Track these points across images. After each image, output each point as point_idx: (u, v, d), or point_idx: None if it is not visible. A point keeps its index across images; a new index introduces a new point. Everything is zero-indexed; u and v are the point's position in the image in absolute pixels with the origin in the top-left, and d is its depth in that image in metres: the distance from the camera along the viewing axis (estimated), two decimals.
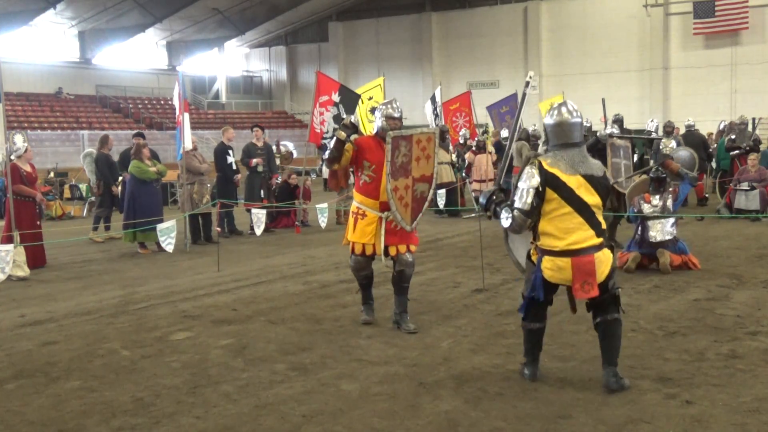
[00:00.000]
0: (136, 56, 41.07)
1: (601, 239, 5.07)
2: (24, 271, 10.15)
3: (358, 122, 7.51)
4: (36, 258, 10.83)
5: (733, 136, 16.93)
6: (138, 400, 5.27)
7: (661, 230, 9.64)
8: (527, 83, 5.63)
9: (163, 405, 5.15)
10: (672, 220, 9.74)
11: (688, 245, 11.45)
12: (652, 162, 16.15)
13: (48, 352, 6.54)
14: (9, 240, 10.36)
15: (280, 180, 16.19)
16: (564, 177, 5.00)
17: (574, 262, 5.00)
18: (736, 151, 16.48)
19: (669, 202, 9.82)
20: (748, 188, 14.34)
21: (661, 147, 16.24)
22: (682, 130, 17.76)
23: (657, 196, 9.81)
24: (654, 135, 17.86)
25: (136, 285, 9.57)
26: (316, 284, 9.27)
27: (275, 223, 15.12)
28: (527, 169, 5.07)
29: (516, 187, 5.18)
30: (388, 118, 7.03)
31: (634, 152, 16.81)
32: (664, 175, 10.06)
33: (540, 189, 5.00)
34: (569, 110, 5.16)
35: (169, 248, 11.22)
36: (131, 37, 38.72)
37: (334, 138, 7.00)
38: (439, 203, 16.30)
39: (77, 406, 5.17)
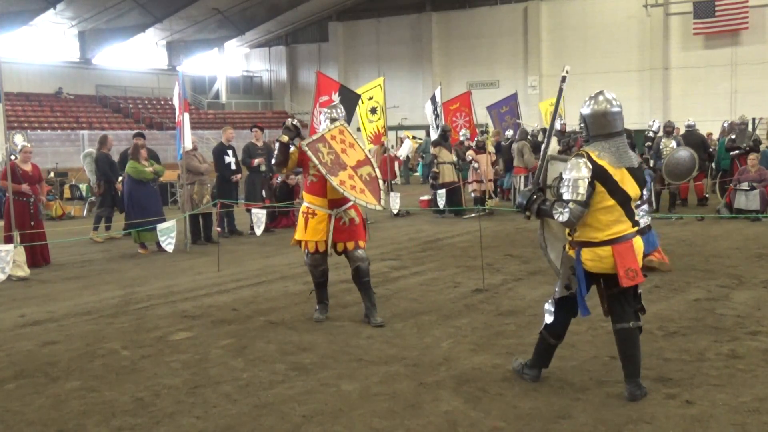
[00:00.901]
0: (136, 56, 41.07)
1: (636, 228, 5.11)
2: (24, 271, 10.15)
3: (298, 125, 7.75)
4: (33, 257, 10.82)
5: (733, 136, 16.93)
6: (138, 400, 5.27)
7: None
8: (564, 78, 5.55)
9: (163, 405, 5.15)
10: (645, 206, 9.60)
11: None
12: (652, 162, 16.18)
13: (48, 352, 6.54)
14: (9, 240, 10.36)
15: (280, 180, 16.19)
16: (611, 170, 4.96)
17: (615, 250, 4.97)
18: (736, 151, 16.48)
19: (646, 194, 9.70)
20: (748, 188, 14.34)
21: (661, 147, 16.26)
22: (682, 131, 17.76)
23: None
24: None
25: (136, 285, 9.57)
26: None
27: (275, 223, 15.12)
28: (574, 160, 5.00)
29: (560, 179, 5.13)
30: (333, 121, 7.47)
31: (633, 151, 16.80)
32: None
33: (590, 180, 4.92)
34: (607, 99, 5.10)
35: (169, 248, 11.22)
36: (131, 37, 38.72)
37: (278, 143, 7.32)
38: (439, 203, 16.31)
39: (77, 406, 5.17)
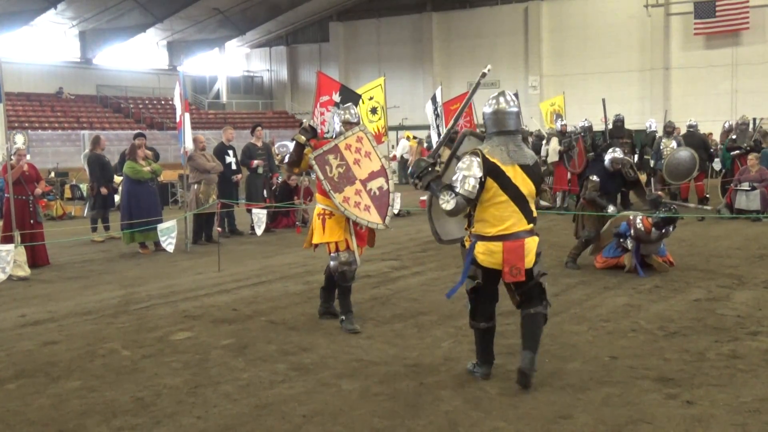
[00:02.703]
0: (137, 56, 41.07)
1: (531, 225, 5.26)
2: (24, 271, 10.15)
3: (317, 126, 7.57)
4: (33, 257, 10.82)
5: (733, 136, 16.92)
6: (138, 400, 5.27)
7: (646, 246, 9.48)
8: (483, 74, 5.72)
9: (164, 405, 5.15)
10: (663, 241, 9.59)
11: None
12: (652, 162, 16.18)
13: (48, 352, 6.54)
14: (8, 240, 10.36)
15: (280, 180, 16.19)
16: (503, 167, 5.16)
17: (505, 246, 5.14)
18: (737, 151, 16.48)
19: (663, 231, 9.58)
20: (748, 188, 14.34)
21: (661, 147, 16.27)
22: (683, 131, 17.75)
23: (655, 230, 9.25)
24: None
25: (136, 285, 9.57)
26: (316, 284, 9.24)
27: (275, 223, 15.12)
28: (468, 158, 5.17)
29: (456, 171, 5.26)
30: (346, 123, 7.15)
31: (634, 151, 16.82)
32: (662, 200, 9.83)
33: (482, 179, 5.11)
34: (507, 100, 5.37)
35: (170, 248, 11.22)
36: (132, 37, 38.72)
37: (294, 142, 7.08)
38: None
39: (78, 406, 5.17)
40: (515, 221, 5.18)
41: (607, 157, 10.03)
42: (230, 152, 14.09)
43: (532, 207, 5.30)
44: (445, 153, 17.14)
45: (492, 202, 5.18)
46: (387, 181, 7.05)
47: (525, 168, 5.22)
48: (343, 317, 7.09)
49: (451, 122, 6.25)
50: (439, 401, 5.09)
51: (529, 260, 5.23)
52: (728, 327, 6.80)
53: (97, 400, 5.29)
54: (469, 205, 5.21)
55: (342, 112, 7.27)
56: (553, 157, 17.16)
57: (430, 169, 5.40)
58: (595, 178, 10.00)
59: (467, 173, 5.12)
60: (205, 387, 5.49)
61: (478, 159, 5.14)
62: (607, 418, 4.71)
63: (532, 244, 5.25)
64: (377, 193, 6.95)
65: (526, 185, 5.21)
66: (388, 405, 5.05)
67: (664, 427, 4.58)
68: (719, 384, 5.29)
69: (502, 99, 5.38)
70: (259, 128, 14.74)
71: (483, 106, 5.46)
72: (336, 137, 7.13)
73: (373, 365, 5.91)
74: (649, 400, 5.00)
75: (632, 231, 9.33)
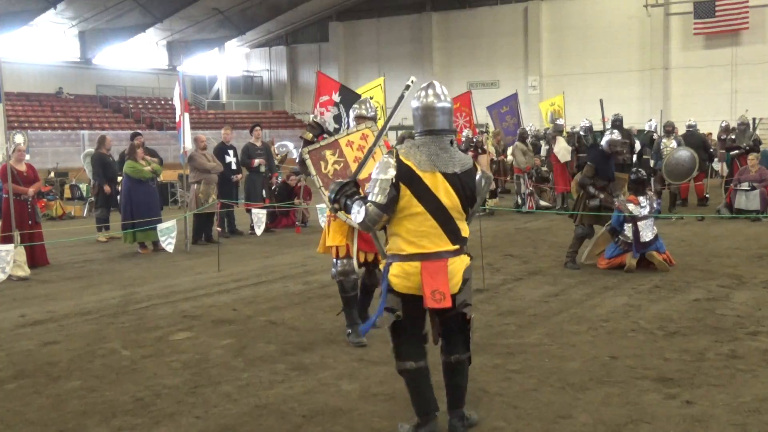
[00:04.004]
0: (137, 56, 41.09)
1: (457, 246, 4.37)
2: (24, 271, 10.15)
3: (323, 122, 7.42)
4: (33, 258, 10.82)
5: (733, 136, 16.93)
6: (138, 400, 5.26)
7: (645, 230, 9.56)
8: (407, 86, 4.96)
9: (164, 405, 5.15)
10: (653, 219, 9.65)
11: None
12: (652, 161, 16.18)
13: (48, 352, 6.54)
14: (8, 240, 10.36)
15: (280, 179, 16.19)
16: (418, 171, 4.30)
17: (423, 267, 4.29)
18: (736, 151, 16.48)
19: (654, 203, 9.77)
20: (748, 188, 14.34)
21: (661, 147, 16.27)
22: (682, 130, 17.76)
23: (643, 198, 9.65)
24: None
25: (136, 285, 9.57)
26: (316, 284, 9.26)
27: (275, 223, 15.12)
28: (383, 159, 4.39)
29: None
30: (359, 118, 6.73)
31: (632, 150, 16.80)
32: (645, 177, 10.01)
33: (395, 182, 4.29)
34: (436, 93, 4.43)
35: (169, 248, 11.22)
36: (131, 37, 38.75)
37: (301, 139, 6.93)
38: None
39: (77, 406, 5.17)
40: (435, 239, 4.31)
41: (605, 139, 10.10)
42: (230, 152, 14.09)
43: (460, 224, 4.40)
44: None
45: (406, 214, 4.32)
46: None
47: (449, 177, 4.33)
48: (349, 330, 6.60)
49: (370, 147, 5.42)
50: (439, 401, 5.07)
51: (455, 284, 4.35)
52: (728, 327, 6.80)
53: (96, 400, 5.29)
54: (385, 214, 4.32)
55: (357, 106, 6.82)
56: (566, 157, 17.02)
57: (346, 188, 4.58)
58: (590, 164, 10.04)
59: (379, 176, 4.33)
60: (204, 387, 5.49)
61: (392, 160, 4.33)
62: (606, 418, 4.71)
63: (458, 265, 4.37)
64: None
65: (448, 197, 4.32)
66: (387, 405, 5.05)
67: (663, 427, 4.58)
68: (719, 384, 5.29)
69: (430, 92, 4.42)
70: (258, 128, 14.74)
71: (412, 100, 4.54)
72: (336, 133, 6.86)
73: (373, 365, 5.91)
74: (649, 400, 5.00)
75: (624, 213, 9.51)
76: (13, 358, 6.37)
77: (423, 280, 4.26)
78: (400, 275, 4.35)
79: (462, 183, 4.36)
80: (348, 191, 4.56)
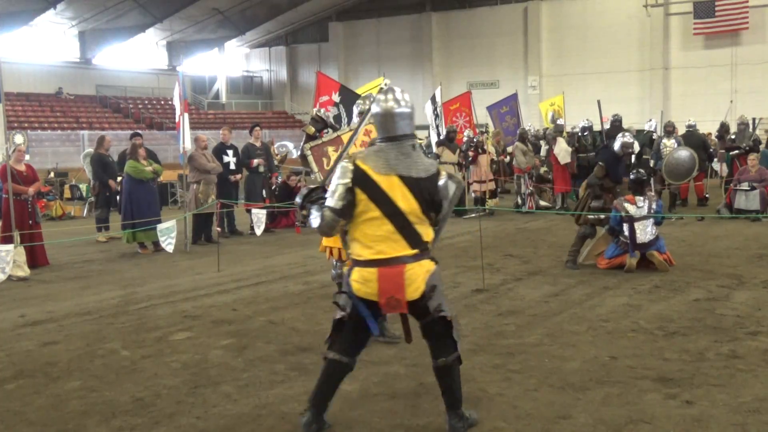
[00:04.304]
0: (137, 56, 41.09)
1: (416, 251, 4.30)
2: (24, 271, 10.15)
3: (327, 116, 7.33)
4: (33, 258, 10.82)
5: (732, 136, 16.93)
6: (138, 400, 5.26)
7: (643, 231, 9.56)
8: (380, 89, 4.71)
9: (163, 405, 5.15)
10: (652, 220, 9.65)
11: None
12: (651, 161, 16.18)
13: (48, 352, 6.53)
14: (8, 240, 10.36)
15: (280, 179, 16.20)
16: (374, 175, 4.26)
17: (380, 273, 4.26)
18: (735, 151, 16.47)
19: (654, 204, 9.75)
20: (748, 188, 14.34)
21: (661, 147, 16.27)
22: (682, 130, 17.76)
23: (641, 198, 9.67)
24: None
25: (136, 285, 9.57)
26: (316, 284, 9.26)
27: (275, 223, 15.13)
28: (342, 163, 4.34)
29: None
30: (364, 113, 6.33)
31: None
32: (644, 177, 10.02)
33: (350, 187, 4.25)
34: (396, 98, 4.38)
35: (169, 248, 11.22)
36: (131, 37, 38.75)
37: (305, 135, 6.86)
38: None
39: (77, 406, 5.17)
40: (393, 244, 4.26)
41: (617, 142, 10.08)
42: (230, 152, 14.08)
43: (420, 229, 4.33)
44: (445, 153, 17.17)
45: (363, 218, 4.29)
46: None
47: (407, 180, 4.26)
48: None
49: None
50: (439, 401, 5.07)
51: (413, 290, 4.29)
52: (728, 327, 6.80)
53: (96, 400, 5.28)
54: (341, 219, 4.30)
55: (361, 102, 6.61)
56: (566, 158, 17.04)
57: (313, 193, 4.47)
58: (601, 164, 10.06)
59: (337, 181, 4.29)
60: (204, 387, 5.49)
61: (350, 165, 4.28)
62: (606, 418, 4.71)
63: (417, 271, 4.29)
64: None
65: (406, 201, 4.25)
66: (387, 405, 5.05)
67: (663, 427, 4.58)
68: (719, 384, 5.29)
69: (390, 97, 4.38)
70: (257, 128, 14.74)
71: (372, 105, 4.50)
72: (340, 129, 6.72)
73: (373, 365, 5.91)
74: (649, 400, 5.00)
75: (622, 213, 9.57)
76: (13, 359, 6.37)
77: (379, 287, 4.27)
78: (359, 281, 4.34)
79: (421, 187, 4.29)
80: (314, 197, 4.47)
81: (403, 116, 4.38)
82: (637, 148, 16.37)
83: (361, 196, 4.25)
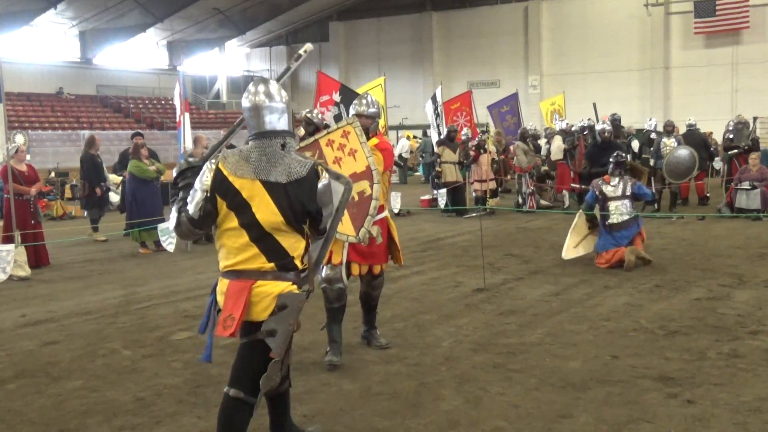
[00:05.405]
0: (137, 56, 41.06)
1: (272, 265, 3.77)
2: (25, 271, 10.16)
3: (321, 121, 7.21)
4: (35, 257, 10.82)
5: (731, 136, 16.91)
6: (139, 399, 5.27)
7: (617, 211, 9.86)
8: (298, 55, 4.61)
9: (165, 405, 5.15)
10: (627, 202, 9.96)
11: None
12: (651, 160, 16.17)
13: (49, 352, 6.54)
14: (9, 240, 10.37)
15: None
16: (234, 180, 3.74)
17: (229, 287, 3.79)
18: (734, 151, 16.46)
19: (629, 186, 10.03)
20: (749, 188, 14.33)
21: (661, 146, 16.25)
22: (683, 130, 17.75)
23: (616, 179, 10.07)
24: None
25: (137, 285, 9.57)
26: (316, 284, 9.24)
27: None
28: (206, 164, 3.85)
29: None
30: (359, 116, 6.07)
31: (630, 148, 16.79)
32: (623, 159, 10.35)
33: (209, 194, 3.76)
34: (268, 91, 3.93)
35: (170, 248, 11.22)
36: (132, 36, 38.72)
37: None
38: (440, 203, 16.40)
39: (78, 406, 5.17)
40: (248, 258, 3.76)
41: (597, 128, 11.09)
42: None
43: (285, 243, 3.79)
44: (446, 152, 17.13)
45: (224, 227, 3.80)
46: (371, 186, 5.63)
47: (270, 186, 3.74)
48: (328, 347, 6.06)
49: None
50: (440, 401, 5.09)
51: (261, 309, 3.76)
52: (729, 326, 6.80)
53: (98, 399, 5.29)
54: (198, 229, 3.84)
55: (357, 102, 6.24)
56: (557, 155, 17.20)
57: (188, 173, 3.96)
58: (585, 157, 10.86)
59: (196, 185, 3.81)
60: (205, 387, 5.49)
61: (210, 166, 3.80)
62: (607, 418, 4.71)
63: (268, 289, 3.75)
64: (356, 198, 5.58)
65: (269, 212, 3.72)
66: (388, 405, 5.05)
67: (665, 426, 4.58)
68: (720, 383, 5.29)
69: (261, 89, 3.92)
70: None
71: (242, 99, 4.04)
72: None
73: (374, 365, 5.91)
74: (650, 399, 5.00)
75: (596, 192, 10.06)
76: (14, 358, 6.38)
77: (225, 301, 3.80)
78: (219, 293, 3.89)
79: (288, 194, 3.76)
80: (188, 176, 3.95)
81: (274, 110, 3.90)
82: (635, 145, 16.43)
83: (222, 205, 3.76)
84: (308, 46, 4.78)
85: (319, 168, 3.91)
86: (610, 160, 10.36)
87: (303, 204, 3.80)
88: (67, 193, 21.72)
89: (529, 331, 6.78)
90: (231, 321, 3.75)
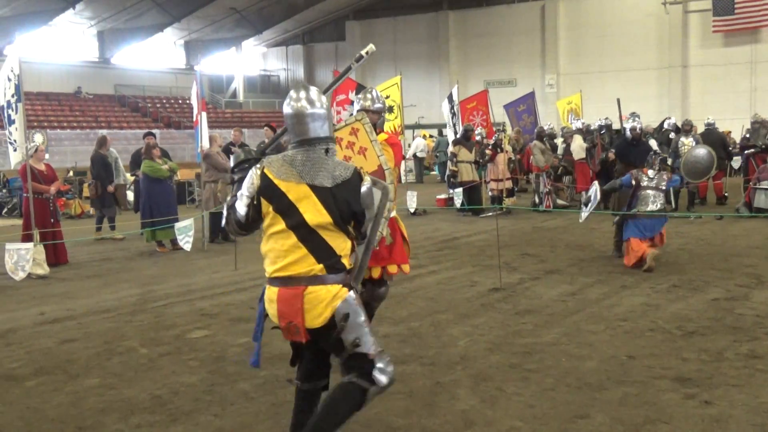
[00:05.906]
0: (155, 56, 41.31)
1: (322, 266, 3.80)
2: (44, 269, 10.23)
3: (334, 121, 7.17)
4: (54, 256, 10.91)
5: (747, 135, 16.78)
6: (156, 397, 5.29)
7: (647, 198, 10.00)
8: (360, 56, 4.69)
9: (181, 403, 5.18)
10: (662, 195, 10.07)
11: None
12: (669, 160, 16.07)
13: (67, 350, 6.58)
14: (28, 238, 10.45)
15: None
16: (280, 183, 3.81)
17: (279, 294, 3.83)
18: (751, 150, 16.34)
19: (664, 181, 10.08)
20: (767, 187, 14.21)
21: (679, 145, 16.16)
22: (701, 129, 17.64)
23: (652, 171, 10.15)
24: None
25: (154, 283, 9.62)
26: None
27: None
28: (251, 170, 3.92)
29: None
30: (363, 111, 5.81)
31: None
32: (662, 156, 10.65)
33: (255, 201, 3.84)
34: (309, 98, 3.98)
35: (187, 247, 11.26)
36: (149, 36, 38.96)
37: None
38: (456, 202, 16.38)
39: (96, 404, 5.21)
40: (297, 260, 3.79)
41: (628, 126, 11.21)
42: None
43: (333, 242, 3.83)
44: (462, 151, 17.13)
45: (271, 232, 3.86)
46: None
47: (318, 190, 3.80)
48: None
49: None
50: (456, 400, 5.08)
51: (315, 316, 3.79)
52: (747, 326, 6.75)
53: (115, 397, 5.32)
54: (244, 232, 3.98)
55: (361, 96, 6.01)
56: (579, 154, 17.09)
57: (247, 163, 4.09)
58: (612, 151, 11.54)
59: (243, 191, 3.90)
60: (222, 385, 5.51)
61: (256, 171, 3.86)
62: (624, 418, 4.69)
63: (321, 295, 3.78)
64: None
65: (316, 213, 3.78)
66: (404, 404, 5.05)
67: (681, 427, 4.55)
68: (738, 384, 5.25)
69: (302, 95, 3.99)
70: (267, 128, 14.81)
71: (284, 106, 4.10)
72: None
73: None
74: (667, 400, 4.98)
75: (633, 179, 10.17)
76: (32, 356, 6.43)
77: (278, 308, 3.86)
78: (267, 300, 3.95)
79: (335, 196, 3.82)
80: (243, 171, 4.06)
81: (316, 117, 3.93)
82: (653, 144, 16.32)
83: (267, 207, 3.83)
84: (371, 47, 4.81)
85: (362, 171, 4.00)
86: (648, 158, 10.52)
87: (349, 204, 3.87)
88: (85, 192, 21.82)
89: (546, 331, 6.75)
90: (295, 328, 3.84)
